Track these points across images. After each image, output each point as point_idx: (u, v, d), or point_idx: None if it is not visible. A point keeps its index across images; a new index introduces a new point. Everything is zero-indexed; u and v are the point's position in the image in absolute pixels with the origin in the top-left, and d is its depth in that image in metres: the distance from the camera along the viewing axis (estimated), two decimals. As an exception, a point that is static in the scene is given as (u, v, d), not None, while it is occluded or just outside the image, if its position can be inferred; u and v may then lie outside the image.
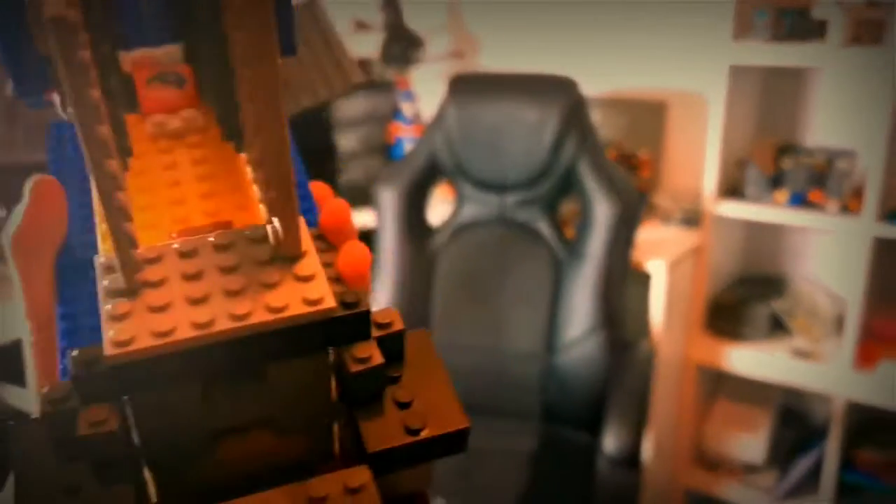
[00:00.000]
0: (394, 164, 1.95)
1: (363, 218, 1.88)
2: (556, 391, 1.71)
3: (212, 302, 0.19)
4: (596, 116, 1.83)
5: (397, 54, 2.19)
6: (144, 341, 0.18)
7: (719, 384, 2.09)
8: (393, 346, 0.22)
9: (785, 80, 1.98)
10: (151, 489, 0.20)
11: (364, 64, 2.08)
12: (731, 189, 1.91)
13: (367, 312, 0.20)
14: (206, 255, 0.20)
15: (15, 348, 1.19)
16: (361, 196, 1.92)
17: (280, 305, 0.19)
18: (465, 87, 1.80)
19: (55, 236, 0.26)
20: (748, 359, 1.91)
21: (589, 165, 1.67)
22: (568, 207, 1.82)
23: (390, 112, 2.34)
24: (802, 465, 1.94)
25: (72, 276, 0.25)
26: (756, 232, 2.06)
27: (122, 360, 0.18)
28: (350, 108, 2.22)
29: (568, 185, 1.71)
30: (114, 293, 0.20)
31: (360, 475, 0.19)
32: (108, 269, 0.20)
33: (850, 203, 1.77)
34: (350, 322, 0.20)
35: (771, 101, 2.01)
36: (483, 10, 2.35)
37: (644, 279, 1.81)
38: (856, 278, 1.75)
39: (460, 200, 1.79)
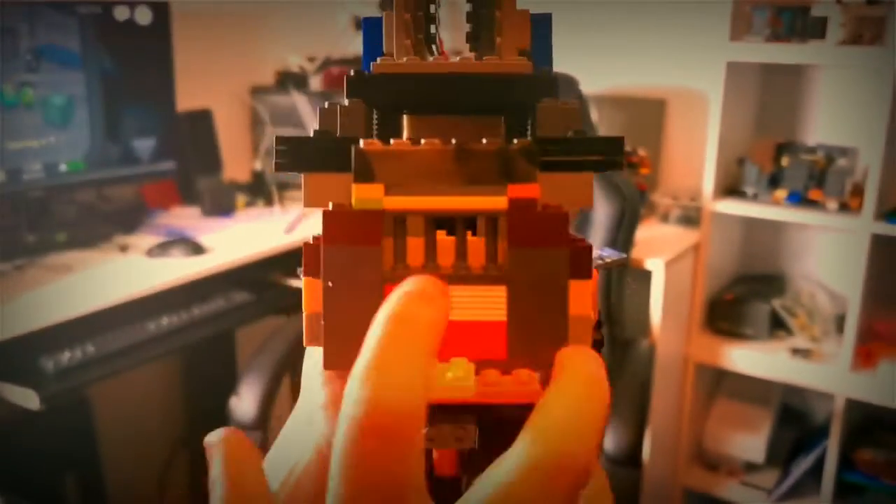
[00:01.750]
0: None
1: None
2: (556, 390, 1.71)
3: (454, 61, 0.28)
4: (595, 114, 1.82)
5: None
6: (399, 69, 0.27)
7: (719, 383, 2.09)
8: None
9: (784, 78, 1.98)
10: None
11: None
12: (730, 187, 1.90)
13: (556, 78, 0.29)
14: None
15: (15, 346, 1.17)
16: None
17: (501, 64, 0.28)
18: (464, 85, 1.79)
19: None
20: (748, 357, 1.90)
21: (588, 164, 1.67)
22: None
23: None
24: (802, 465, 1.93)
25: None
26: (755, 230, 2.06)
27: (385, 69, 0.27)
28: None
29: (567, 183, 1.70)
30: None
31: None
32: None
33: (850, 201, 1.76)
34: (544, 81, 0.28)
35: (770, 100, 2.01)
36: (482, 8, 2.34)
37: (643, 277, 1.81)
38: (856, 277, 1.75)
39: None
